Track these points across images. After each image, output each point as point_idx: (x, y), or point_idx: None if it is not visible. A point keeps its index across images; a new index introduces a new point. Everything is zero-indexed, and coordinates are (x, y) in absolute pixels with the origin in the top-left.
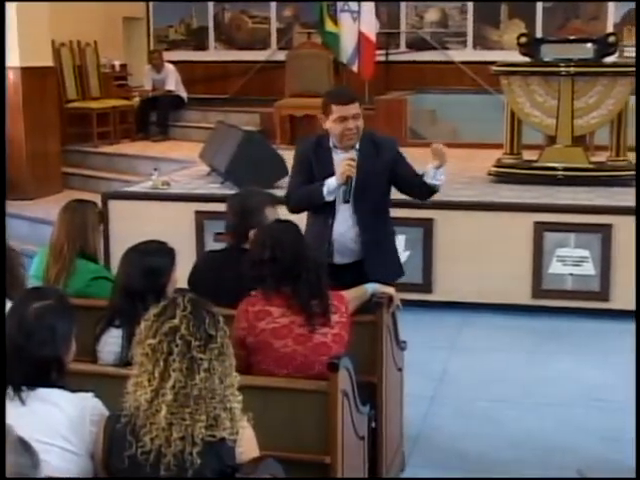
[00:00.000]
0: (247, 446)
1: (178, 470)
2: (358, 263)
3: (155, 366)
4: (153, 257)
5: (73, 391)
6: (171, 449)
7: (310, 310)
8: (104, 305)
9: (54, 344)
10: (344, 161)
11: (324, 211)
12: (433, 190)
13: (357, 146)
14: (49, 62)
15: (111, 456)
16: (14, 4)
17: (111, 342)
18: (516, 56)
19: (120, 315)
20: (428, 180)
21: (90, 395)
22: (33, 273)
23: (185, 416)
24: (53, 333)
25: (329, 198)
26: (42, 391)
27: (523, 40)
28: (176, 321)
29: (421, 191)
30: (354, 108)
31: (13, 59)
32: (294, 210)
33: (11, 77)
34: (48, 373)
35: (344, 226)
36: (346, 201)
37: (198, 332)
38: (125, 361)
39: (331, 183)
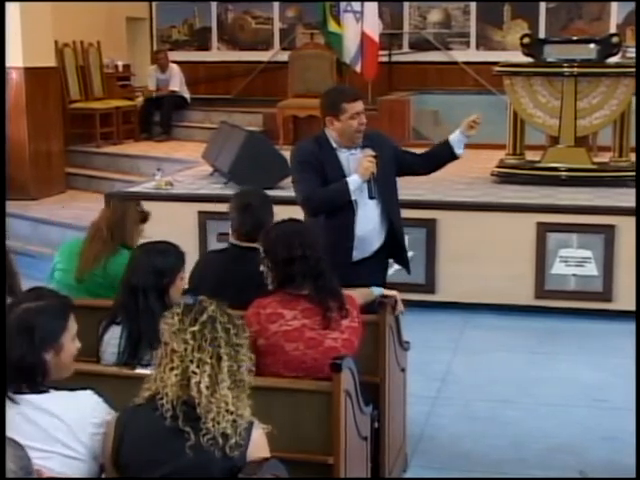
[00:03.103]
0: (257, 446)
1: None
2: (370, 258)
3: (201, 352)
4: (159, 256)
5: (72, 389)
6: (238, 430)
7: (327, 305)
8: (108, 305)
9: (31, 347)
10: (365, 157)
11: (343, 211)
12: (453, 159)
13: (361, 144)
14: (52, 62)
15: (139, 452)
16: (17, 5)
17: (113, 344)
18: (519, 57)
19: (121, 311)
20: (456, 150)
21: (89, 394)
22: (60, 267)
23: (241, 399)
24: (31, 336)
25: (355, 196)
26: (35, 398)
27: (526, 40)
28: (211, 309)
29: (429, 164)
30: (361, 105)
31: (16, 59)
32: (316, 212)
33: (14, 77)
34: (26, 375)
35: (368, 223)
36: (372, 197)
37: (231, 321)
38: (124, 360)
39: (355, 180)
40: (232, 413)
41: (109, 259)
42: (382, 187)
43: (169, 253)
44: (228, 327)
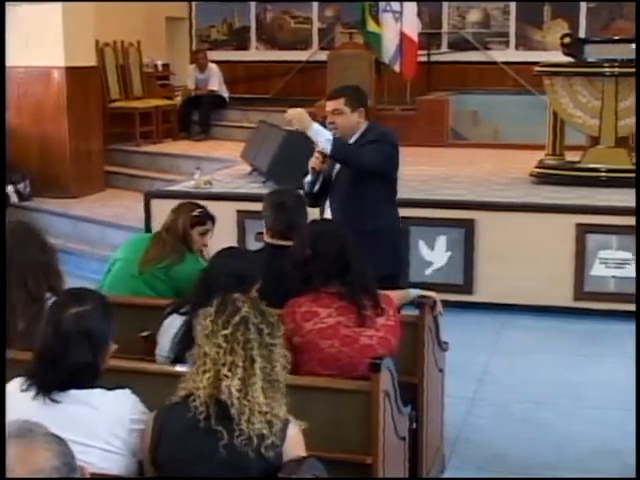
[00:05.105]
0: (293, 444)
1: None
2: None
3: (233, 355)
4: (243, 262)
5: (110, 388)
6: (273, 429)
7: (361, 303)
8: (148, 303)
9: (90, 351)
10: None
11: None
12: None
13: (352, 140)
14: (93, 62)
15: (173, 449)
16: (59, 5)
17: (172, 332)
18: (559, 56)
19: (191, 306)
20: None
21: (128, 392)
22: (123, 256)
23: (276, 399)
24: (90, 340)
25: (309, 189)
26: (78, 393)
27: (566, 40)
28: (245, 310)
29: None
30: (334, 104)
31: (58, 59)
32: (309, 204)
33: (56, 77)
34: (82, 377)
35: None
36: (309, 192)
37: (265, 320)
38: (176, 351)
39: (308, 176)
40: (266, 414)
41: (174, 263)
42: (335, 186)
43: (253, 263)
44: (261, 327)
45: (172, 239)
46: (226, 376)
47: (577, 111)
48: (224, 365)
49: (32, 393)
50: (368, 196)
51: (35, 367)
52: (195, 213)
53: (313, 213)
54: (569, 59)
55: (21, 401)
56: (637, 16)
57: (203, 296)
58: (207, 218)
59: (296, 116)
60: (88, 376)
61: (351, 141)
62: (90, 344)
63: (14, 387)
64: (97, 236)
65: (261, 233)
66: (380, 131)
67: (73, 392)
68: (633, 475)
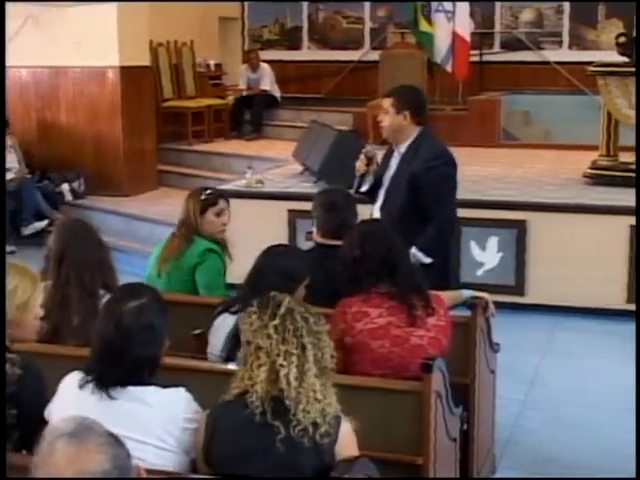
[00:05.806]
0: (346, 443)
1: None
2: None
3: (286, 344)
4: (292, 260)
5: (165, 386)
6: (326, 418)
7: (411, 303)
8: (199, 301)
9: (154, 344)
10: None
11: None
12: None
13: (403, 148)
14: (147, 62)
15: (226, 445)
16: (114, 5)
17: (223, 332)
18: (613, 56)
19: (241, 306)
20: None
21: (182, 390)
22: (151, 262)
23: (327, 387)
24: (152, 333)
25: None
26: (134, 390)
27: (621, 40)
28: (287, 301)
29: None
30: (384, 102)
31: (113, 59)
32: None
33: (110, 76)
34: (142, 372)
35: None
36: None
37: (308, 310)
38: (227, 348)
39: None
40: (320, 401)
41: (181, 253)
42: (388, 196)
43: (301, 259)
44: (307, 316)
45: (186, 231)
46: (282, 365)
47: (632, 111)
48: (279, 355)
49: (90, 389)
50: (418, 216)
51: (94, 364)
52: (203, 196)
53: (363, 213)
54: (624, 59)
55: (78, 396)
56: (637, 16)
57: (252, 294)
58: (218, 197)
59: None
60: (149, 370)
61: (402, 149)
62: (153, 336)
63: (71, 382)
64: (147, 234)
65: (311, 232)
66: (435, 150)
67: (130, 389)
68: None
